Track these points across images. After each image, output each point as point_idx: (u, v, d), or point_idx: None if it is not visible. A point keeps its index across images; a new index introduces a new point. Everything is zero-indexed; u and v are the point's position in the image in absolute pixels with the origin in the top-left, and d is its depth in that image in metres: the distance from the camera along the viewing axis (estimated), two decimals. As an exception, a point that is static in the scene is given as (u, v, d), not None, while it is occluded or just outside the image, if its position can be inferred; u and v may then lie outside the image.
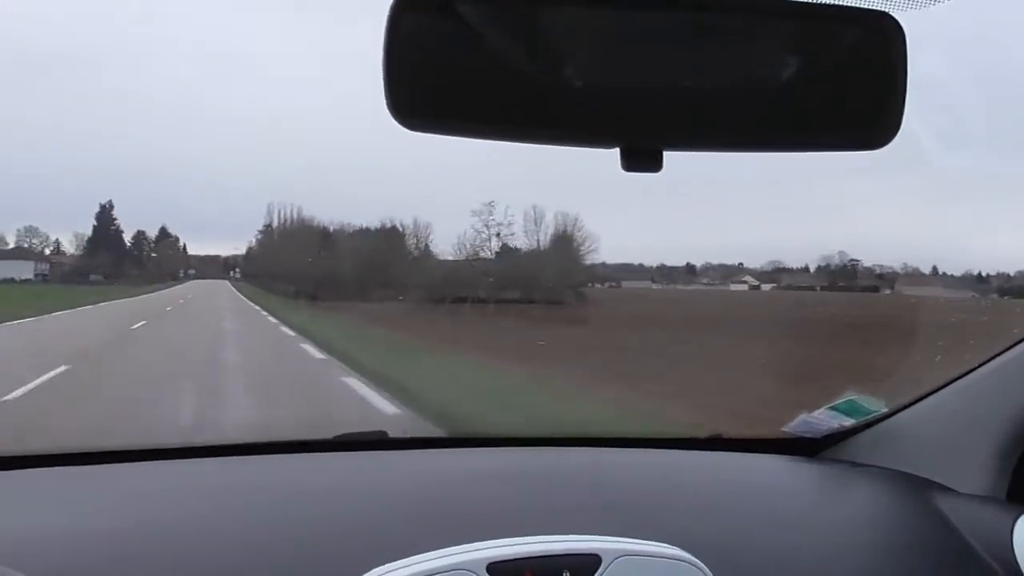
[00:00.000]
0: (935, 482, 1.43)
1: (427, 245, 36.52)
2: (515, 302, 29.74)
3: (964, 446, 1.44)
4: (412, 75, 0.61)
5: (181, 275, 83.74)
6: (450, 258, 34.31)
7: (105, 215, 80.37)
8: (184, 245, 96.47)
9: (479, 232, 30.66)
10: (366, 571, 0.85)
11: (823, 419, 1.66)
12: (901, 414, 1.57)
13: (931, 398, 1.54)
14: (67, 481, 1.38)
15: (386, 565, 0.85)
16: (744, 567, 1.07)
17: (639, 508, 1.31)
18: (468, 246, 31.92)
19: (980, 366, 1.49)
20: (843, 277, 28.05)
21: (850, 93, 0.68)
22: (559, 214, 29.31)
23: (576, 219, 29.31)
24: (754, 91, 0.65)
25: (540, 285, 30.49)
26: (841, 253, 28.80)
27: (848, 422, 1.63)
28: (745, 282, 33.54)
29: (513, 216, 29.54)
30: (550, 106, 0.64)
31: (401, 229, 38.90)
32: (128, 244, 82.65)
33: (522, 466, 1.55)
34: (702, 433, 1.76)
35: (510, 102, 0.63)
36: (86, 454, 1.46)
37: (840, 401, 1.66)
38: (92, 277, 69.59)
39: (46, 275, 69.86)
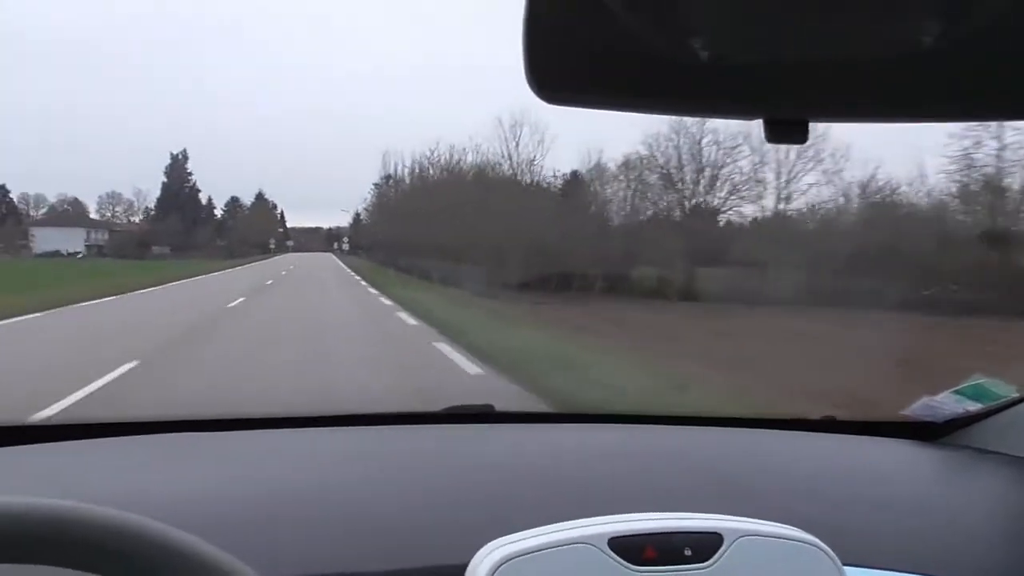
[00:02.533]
0: None
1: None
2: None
3: None
4: (551, 49, 0.60)
5: (272, 246, 69.31)
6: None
7: (177, 168, 64.44)
8: (282, 212, 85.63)
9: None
10: (483, 541, 0.83)
11: (946, 403, 1.55)
12: None
13: None
14: (205, 445, 1.42)
15: (507, 536, 0.82)
16: (865, 552, 1.03)
17: (754, 489, 1.26)
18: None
19: None
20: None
21: (1010, 55, 0.61)
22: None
23: None
24: (904, 56, 0.60)
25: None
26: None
27: (974, 407, 1.53)
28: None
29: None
30: (690, 77, 0.62)
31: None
32: (222, 212, 71.35)
33: (633, 443, 1.51)
34: (816, 415, 1.69)
35: (650, 74, 0.61)
36: (223, 421, 1.51)
37: (966, 385, 1.55)
38: (156, 250, 53.83)
39: (102, 246, 56.32)
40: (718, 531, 0.83)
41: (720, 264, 19.16)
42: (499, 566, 0.79)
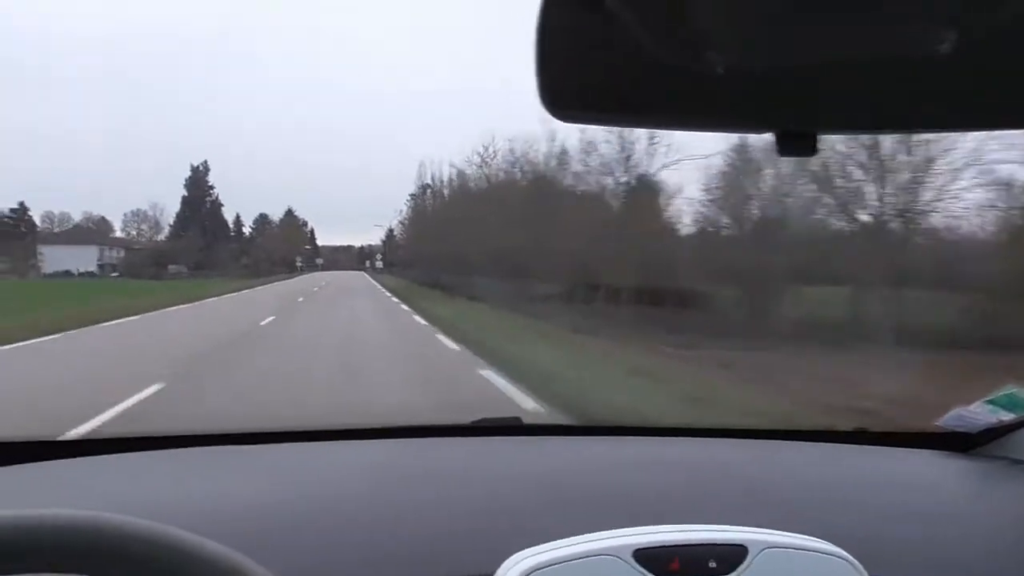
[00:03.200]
0: None
1: None
2: None
3: None
4: (562, 68, 0.60)
5: (299, 264, 63.53)
6: None
7: (198, 181, 58.23)
8: (312, 229, 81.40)
9: None
10: (510, 552, 0.83)
11: (979, 414, 1.51)
12: None
13: None
14: (237, 458, 1.43)
15: (531, 548, 0.83)
16: (895, 564, 1.01)
17: (781, 500, 1.24)
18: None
19: None
20: None
21: None
22: None
23: None
24: (916, 65, 0.60)
25: None
26: None
27: (1008, 417, 1.49)
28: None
29: None
30: (699, 92, 0.62)
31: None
32: (251, 229, 65.51)
33: (660, 455, 1.47)
34: (846, 426, 1.67)
35: (659, 90, 0.62)
36: (254, 434, 1.52)
37: (999, 394, 1.50)
38: (172, 268, 46.38)
39: (115, 266, 49.12)
40: (743, 543, 0.83)
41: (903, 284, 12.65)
42: None
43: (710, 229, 16.87)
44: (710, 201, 17.03)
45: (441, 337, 12.11)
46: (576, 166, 20.41)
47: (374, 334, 13.54)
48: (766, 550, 0.82)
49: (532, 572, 0.79)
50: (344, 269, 66.92)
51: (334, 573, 0.96)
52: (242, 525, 1.04)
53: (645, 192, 18.51)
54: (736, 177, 16.32)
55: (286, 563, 0.76)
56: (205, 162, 53.45)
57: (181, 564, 0.58)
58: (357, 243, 75.94)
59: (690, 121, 0.65)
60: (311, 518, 1.10)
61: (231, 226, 54.27)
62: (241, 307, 20.74)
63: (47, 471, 1.30)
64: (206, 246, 46.77)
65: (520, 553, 0.82)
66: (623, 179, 18.36)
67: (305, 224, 69.50)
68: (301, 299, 23.94)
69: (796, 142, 0.63)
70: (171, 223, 50.64)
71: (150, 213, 51.23)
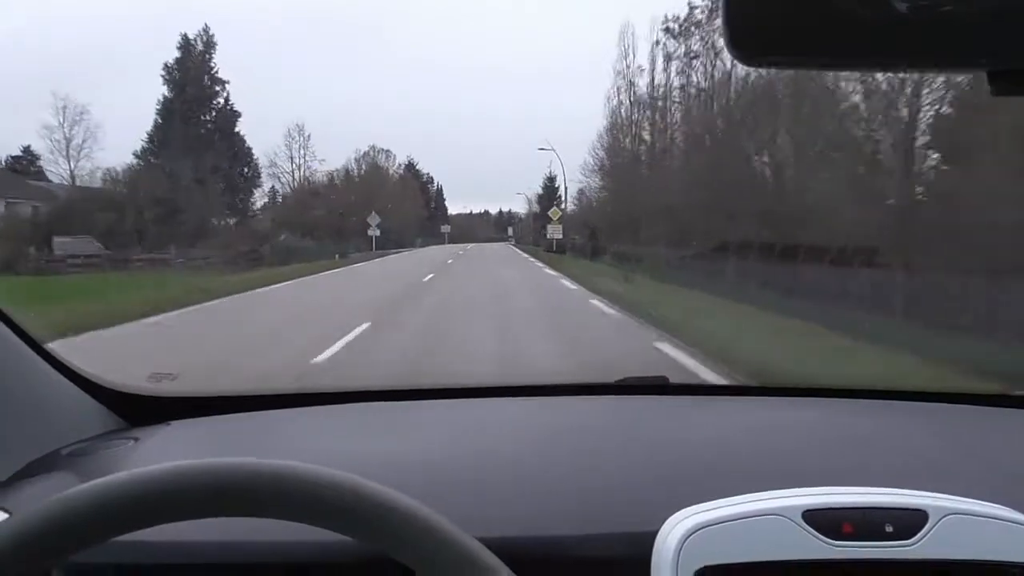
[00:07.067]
0: None
1: None
2: None
3: None
4: (751, 6, 0.59)
5: (372, 234, 31.96)
6: None
7: (192, 66, 32.61)
8: (440, 187, 61.99)
9: None
10: (668, 510, 0.85)
11: None
12: None
13: None
14: (399, 413, 1.49)
15: (695, 506, 0.84)
16: None
17: (955, 467, 1.18)
18: None
19: None
20: None
21: None
22: None
23: None
24: None
25: None
26: None
27: None
28: None
29: None
30: (903, 28, 0.57)
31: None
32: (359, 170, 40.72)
33: (818, 417, 1.44)
34: (1019, 390, 1.58)
35: (860, 27, 0.57)
36: (414, 391, 1.57)
37: None
38: (60, 242, 17.27)
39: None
40: (923, 508, 0.79)
41: None
42: (690, 534, 0.78)
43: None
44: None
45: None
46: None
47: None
48: (948, 516, 0.78)
49: (698, 530, 0.78)
50: (478, 241, 49.44)
51: (500, 526, 0.93)
52: (415, 478, 1.03)
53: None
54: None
55: (459, 514, 0.77)
56: (206, 28, 28.93)
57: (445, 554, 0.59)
58: (493, 208, 65.74)
59: (894, 61, 0.61)
60: (472, 473, 1.09)
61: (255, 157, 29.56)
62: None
63: (229, 424, 1.34)
64: (182, 195, 22.85)
65: (685, 510, 0.81)
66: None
67: (430, 181, 49.59)
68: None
69: (1013, 80, 0.56)
70: (138, 150, 26.95)
71: (58, 123, 26.90)
